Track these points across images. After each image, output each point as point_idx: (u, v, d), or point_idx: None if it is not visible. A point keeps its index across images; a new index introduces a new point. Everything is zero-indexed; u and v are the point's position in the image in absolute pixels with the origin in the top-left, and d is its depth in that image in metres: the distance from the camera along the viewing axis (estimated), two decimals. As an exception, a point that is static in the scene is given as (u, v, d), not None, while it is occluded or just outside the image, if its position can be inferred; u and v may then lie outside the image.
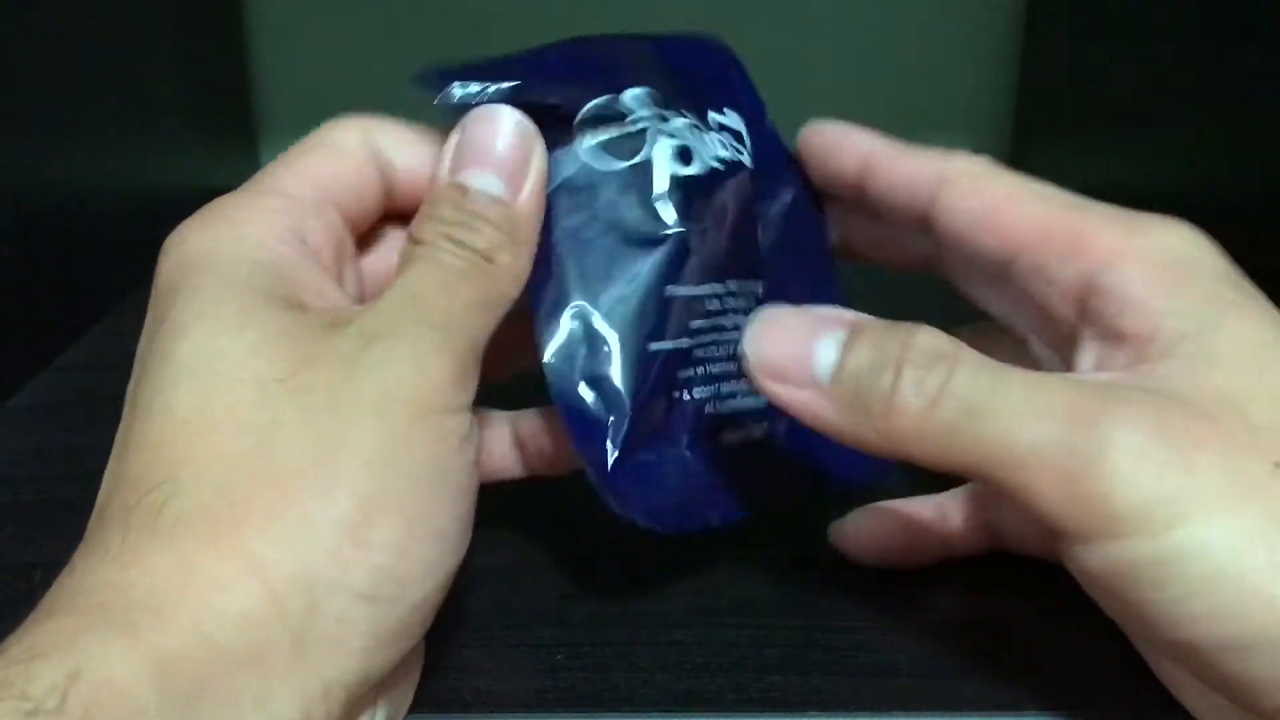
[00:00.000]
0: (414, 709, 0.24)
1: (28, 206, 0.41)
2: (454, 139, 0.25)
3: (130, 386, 0.22)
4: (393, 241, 0.27)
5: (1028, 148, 0.67)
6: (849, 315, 0.23)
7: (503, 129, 0.25)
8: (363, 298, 0.26)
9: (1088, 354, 0.24)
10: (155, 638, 0.18)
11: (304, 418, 0.20)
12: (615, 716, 0.24)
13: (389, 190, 0.26)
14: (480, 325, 0.23)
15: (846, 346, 0.22)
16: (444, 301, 0.22)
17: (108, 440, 0.36)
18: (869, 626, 0.26)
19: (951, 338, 0.22)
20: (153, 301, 0.23)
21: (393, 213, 0.27)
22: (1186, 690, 0.23)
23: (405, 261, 0.23)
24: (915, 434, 0.21)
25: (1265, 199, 0.39)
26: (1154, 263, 0.23)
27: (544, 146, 0.25)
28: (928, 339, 0.22)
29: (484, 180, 0.24)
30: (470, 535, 0.22)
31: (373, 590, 0.20)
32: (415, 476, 0.21)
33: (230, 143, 0.65)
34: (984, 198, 0.25)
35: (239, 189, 0.25)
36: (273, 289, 0.22)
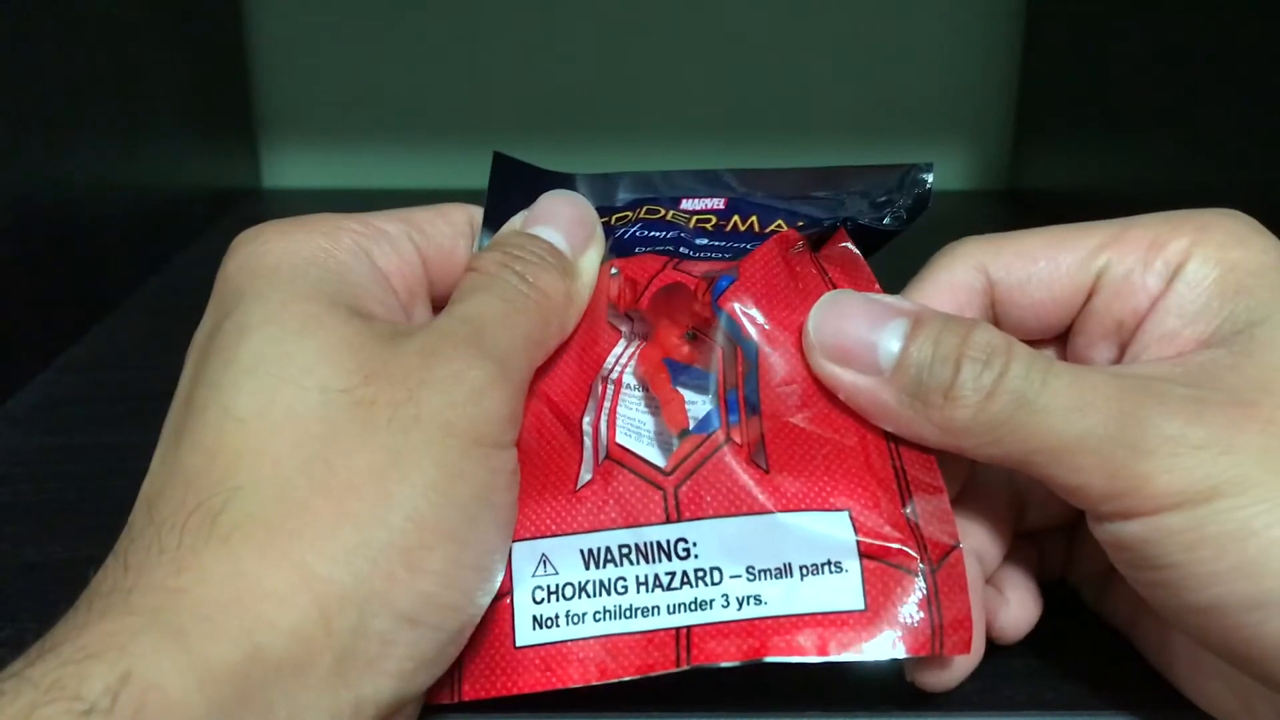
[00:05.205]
0: (414, 709, 0.23)
1: (28, 206, 0.41)
2: (525, 212, 0.26)
3: (183, 385, 0.22)
4: None
5: (1028, 148, 0.67)
6: (908, 305, 0.24)
7: (574, 201, 0.27)
8: None
9: (1144, 347, 0.24)
10: (206, 645, 0.18)
11: (364, 434, 0.20)
12: (615, 716, 0.24)
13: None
14: (530, 363, 0.24)
15: (909, 338, 0.23)
16: (504, 334, 0.23)
17: (108, 440, 0.36)
18: (869, 626, 0.26)
19: (1004, 333, 0.23)
20: (215, 300, 0.23)
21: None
22: (1203, 679, 0.23)
23: (463, 290, 0.24)
24: (970, 426, 0.22)
25: (1263, 199, 0.39)
26: (1216, 261, 0.23)
27: (602, 237, 0.27)
28: (984, 334, 0.22)
29: (549, 233, 0.25)
30: (504, 571, 0.23)
31: (417, 615, 0.20)
32: (466, 507, 0.21)
33: (230, 143, 0.65)
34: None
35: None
36: (337, 295, 0.22)
